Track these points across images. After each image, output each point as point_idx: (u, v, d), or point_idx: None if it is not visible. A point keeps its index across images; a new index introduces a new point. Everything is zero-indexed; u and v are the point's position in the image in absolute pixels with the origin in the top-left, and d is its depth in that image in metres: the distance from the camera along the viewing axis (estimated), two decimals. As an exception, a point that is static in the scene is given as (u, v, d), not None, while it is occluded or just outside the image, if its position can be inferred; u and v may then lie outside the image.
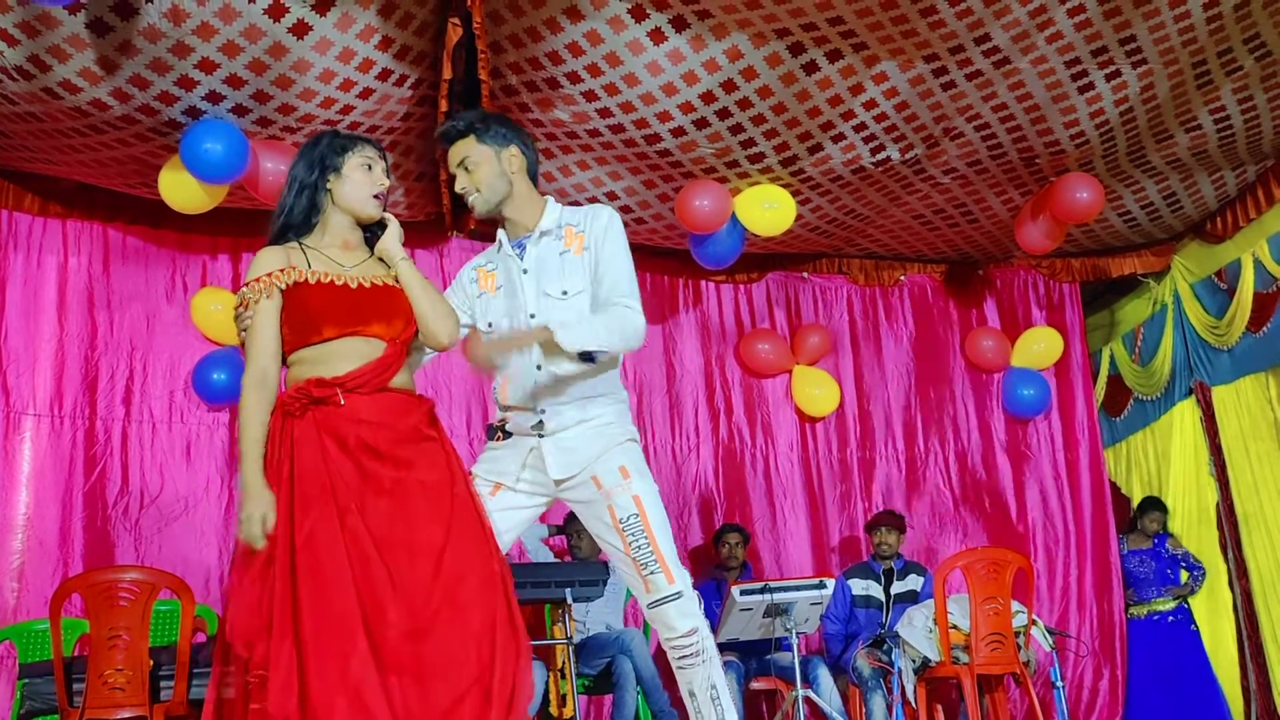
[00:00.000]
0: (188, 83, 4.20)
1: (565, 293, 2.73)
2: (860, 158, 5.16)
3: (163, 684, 3.83)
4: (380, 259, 2.64)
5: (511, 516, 2.74)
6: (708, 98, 4.60)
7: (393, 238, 2.64)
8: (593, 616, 5.19)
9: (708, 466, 6.20)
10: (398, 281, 2.60)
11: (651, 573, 2.63)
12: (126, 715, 3.73)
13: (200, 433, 5.36)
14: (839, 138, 4.99)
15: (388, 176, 2.67)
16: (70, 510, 5.03)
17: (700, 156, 5.04)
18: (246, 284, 2.53)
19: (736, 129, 4.83)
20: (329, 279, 2.50)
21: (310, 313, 2.47)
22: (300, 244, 2.59)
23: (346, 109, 4.47)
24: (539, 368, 2.72)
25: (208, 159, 4.33)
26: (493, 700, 2.27)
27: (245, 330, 2.53)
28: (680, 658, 2.66)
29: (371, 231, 2.67)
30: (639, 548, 2.64)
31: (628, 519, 2.65)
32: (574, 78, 4.46)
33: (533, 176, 2.87)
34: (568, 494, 2.76)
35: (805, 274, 6.64)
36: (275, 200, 4.68)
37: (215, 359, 5.33)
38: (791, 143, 4.98)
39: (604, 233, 2.77)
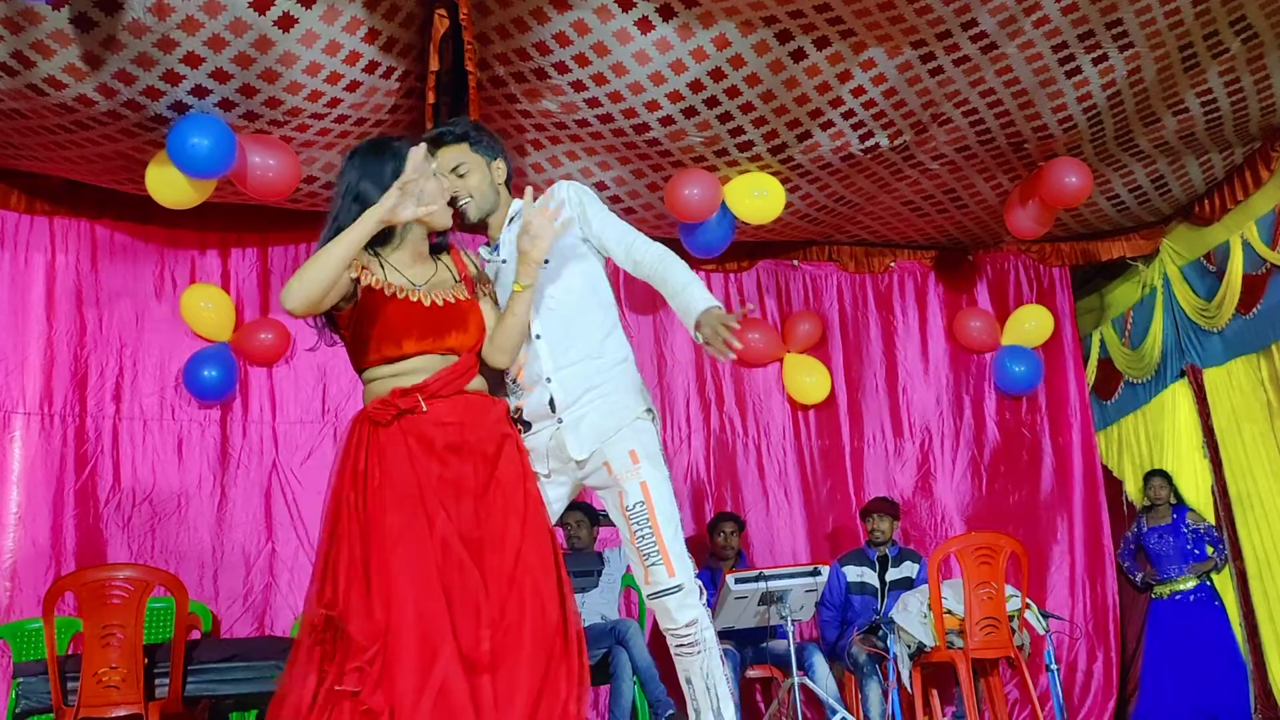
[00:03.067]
0: (173, 77, 4.17)
1: (547, 260, 2.76)
2: (849, 145, 5.16)
3: (157, 681, 3.83)
4: (447, 269, 2.67)
5: (550, 508, 2.75)
6: (696, 86, 4.59)
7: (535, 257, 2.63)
8: (588, 607, 5.20)
9: (700, 456, 6.21)
10: (465, 297, 2.62)
11: (653, 564, 2.62)
12: (122, 713, 3.72)
13: (191, 430, 5.35)
14: (828, 125, 4.99)
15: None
16: (62, 508, 5.02)
17: (689, 145, 5.03)
18: None
19: (725, 117, 4.82)
20: (404, 294, 2.51)
21: (391, 326, 2.48)
22: (375, 252, 2.58)
23: (334, 102, 4.45)
24: (538, 336, 2.77)
25: (194, 154, 4.31)
26: (574, 688, 2.34)
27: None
28: (678, 646, 2.68)
29: (437, 240, 2.70)
30: (642, 537, 2.64)
31: (634, 506, 2.65)
32: (561, 68, 4.45)
33: (508, 186, 2.96)
34: (589, 479, 2.78)
35: (795, 262, 6.64)
36: (263, 195, 4.71)
37: (206, 356, 5.32)
38: (780, 130, 4.97)
39: (574, 200, 2.86)
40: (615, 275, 6.13)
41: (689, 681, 2.68)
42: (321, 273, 2.36)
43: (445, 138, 2.84)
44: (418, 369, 2.50)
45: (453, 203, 2.80)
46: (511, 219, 2.89)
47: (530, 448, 2.75)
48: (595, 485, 2.78)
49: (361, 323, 2.51)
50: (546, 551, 2.47)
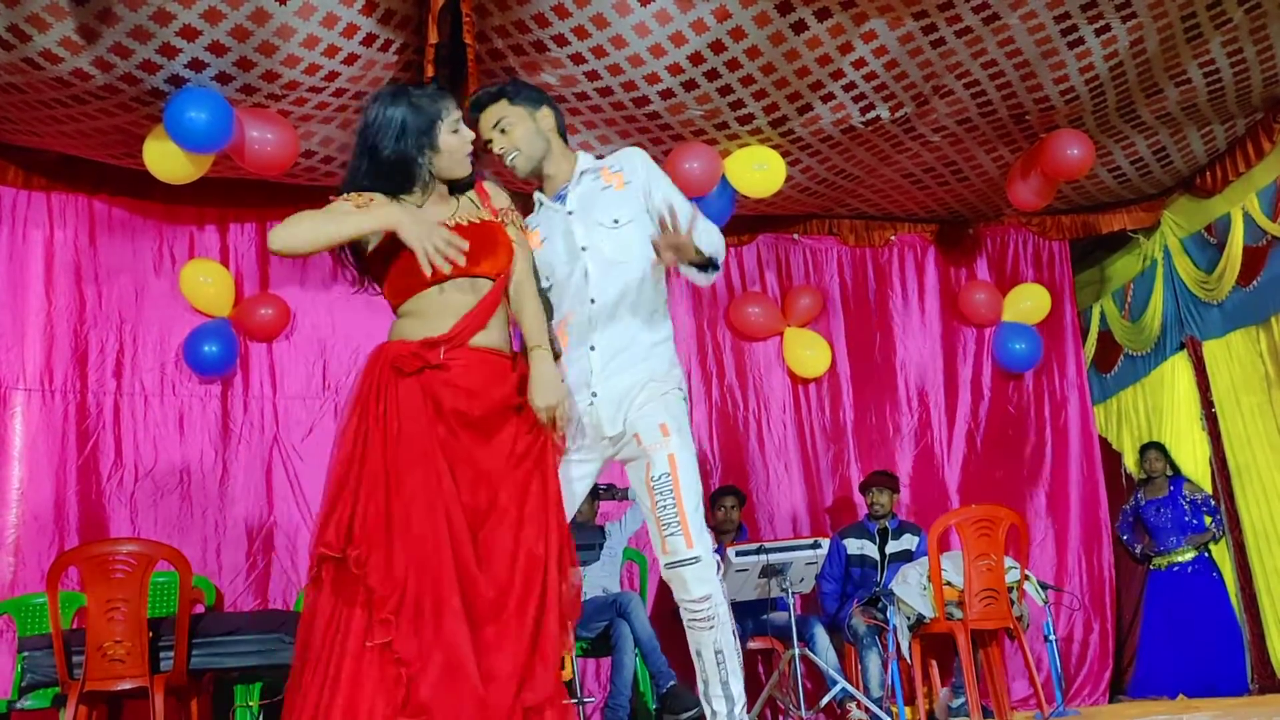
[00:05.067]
0: (170, 50, 4.15)
1: (616, 221, 2.77)
2: (850, 117, 5.14)
3: (162, 654, 3.85)
4: (470, 203, 2.63)
5: (574, 486, 2.73)
6: (696, 59, 4.57)
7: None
8: (590, 580, 5.22)
9: (701, 430, 6.21)
10: (490, 219, 2.60)
11: (671, 534, 2.63)
12: (127, 686, 3.74)
13: (193, 405, 5.35)
14: (828, 97, 4.96)
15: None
16: (64, 484, 5.03)
17: (689, 119, 5.01)
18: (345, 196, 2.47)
19: (725, 90, 4.80)
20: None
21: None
22: (398, 198, 2.53)
23: (331, 75, 4.43)
24: (592, 301, 2.74)
25: (192, 128, 4.29)
26: (547, 664, 2.35)
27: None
28: (691, 620, 2.67)
29: (456, 183, 2.65)
30: (664, 507, 2.64)
31: (659, 478, 2.65)
32: (560, 40, 4.42)
33: (562, 135, 2.92)
34: (620, 454, 2.77)
35: (795, 235, 6.63)
36: (261, 170, 4.69)
37: (206, 331, 5.32)
38: (781, 103, 4.95)
39: (646, 168, 2.85)
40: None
41: (699, 654, 2.69)
42: (313, 239, 2.40)
43: (483, 100, 2.84)
44: (447, 304, 2.46)
45: (502, 159, 2.82)
46: (583, 173, 2.85)
47: None
48: (624, 457, 2.77)
49: (392, 255, 2.48)
50: (544, 533, 2.43)
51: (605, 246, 2.77)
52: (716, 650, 2.65)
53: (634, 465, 2.75)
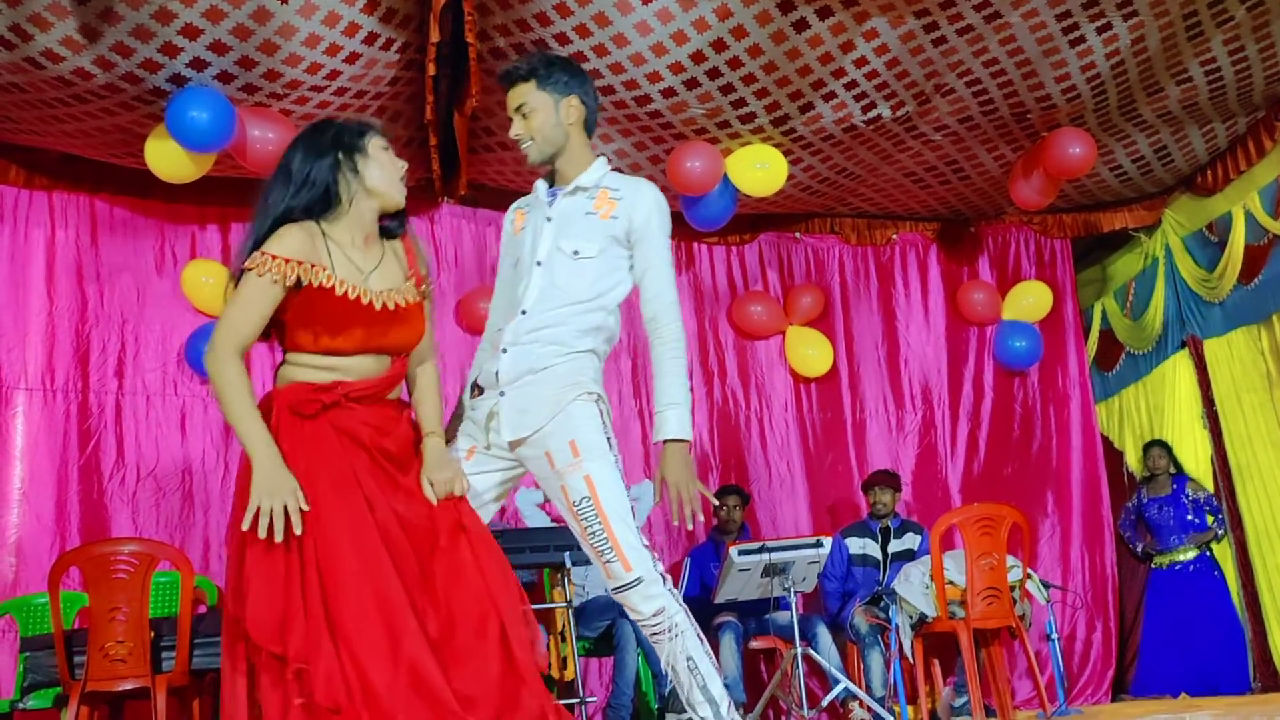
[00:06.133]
0: (171, 49, 4.15)
1: (576, 253, 2.65)
2: (851, 116, 5.13)
3: (164, 654, 3.84)
4: (395, 258, 2.53)
5: (486, 480, 2.66)
6: (698, 57, 4.56)
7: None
8: (592, 580, 5.22)
9: (703, 430, 6.21)
10: (414, 299, 2.50)
11: (608, 560, 2.53)
12: (129, 686, 3.74)
13: (194, 405, 5.35)
14: (830, 96, 4.96)
15: None
16: (66, 484, 5.03)
17: (691, 117, 5.00)
18: (263, 253, 2.33)
19: (727, 89, 4.80)
20: (355, 293, 2.38)
21: (336, 322, 2.37)
22: (322, 230, 2.42)
23: (333, 74, 4.43)
24: (524, 312, 2.65)
25: (194, 127, 4.29)
26: (521, 671, 2.31)
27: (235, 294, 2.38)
28: (652, 635, 2.60)
29: (385, 225, 2.54)
30: (594, 534, 2.53)
31: (580, 502, 2.54)
32: (562, 39, 4.42)
33: (590, 128, 2.79)
34: (528, 464, 2.67)
35: (797, 234, 6.63)
36: (263, 169, 4.68)
37: (207, 331, 5.29)
38: (782, 102, 4.95)
39: (646, 219, 2.69)
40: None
41: (672, 668, 2.61)
42: (223, 406, 2.34)
43: (512, 75, 2.71)
44: (351, 367, 2.40)
45: (517, 143, 2.72)
46: (577, 188, 2.71)
47: (471, 418, 2.69)
48: (536, 473, 2.66)
49: (304, 310, 2.37)
50: (491, 545, 2.42)
51: (556, 272, 2.66)
52: (687, 658, 2.56)
53: (547, 483, 2.64)
